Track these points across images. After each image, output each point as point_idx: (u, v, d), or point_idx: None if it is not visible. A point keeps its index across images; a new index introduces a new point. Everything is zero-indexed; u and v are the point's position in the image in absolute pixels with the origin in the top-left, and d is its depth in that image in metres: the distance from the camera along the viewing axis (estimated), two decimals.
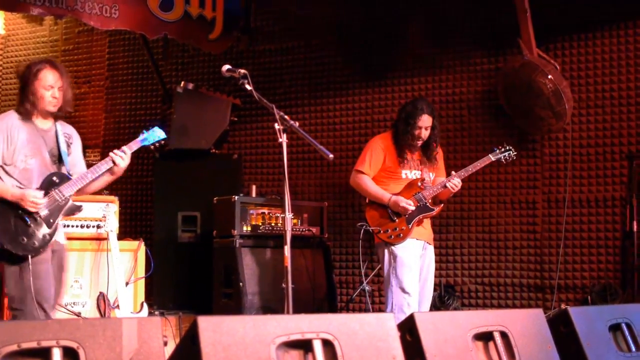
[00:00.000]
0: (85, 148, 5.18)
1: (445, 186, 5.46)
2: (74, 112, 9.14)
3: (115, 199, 6.11)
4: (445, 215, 7.22)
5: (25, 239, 4.30)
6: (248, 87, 4.41)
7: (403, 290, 5.35)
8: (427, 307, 5.60)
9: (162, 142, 4.79)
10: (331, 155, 4.45)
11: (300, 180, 7.81)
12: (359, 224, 5.56)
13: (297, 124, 4.44)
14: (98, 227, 5.92)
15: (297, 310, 4.21)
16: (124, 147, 4.55)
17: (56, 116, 4.60)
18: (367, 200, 5.67)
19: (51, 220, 4.39)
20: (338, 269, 7.58)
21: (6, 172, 4.41)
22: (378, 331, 3.31)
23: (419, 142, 5.56)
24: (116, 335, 2.84)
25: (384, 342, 3.29)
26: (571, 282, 6.93)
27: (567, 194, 6.94)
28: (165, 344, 2.97)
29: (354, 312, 7.19)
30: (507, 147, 5.73)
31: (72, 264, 5.88)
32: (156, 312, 6.73)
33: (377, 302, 7.30)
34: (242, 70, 4.44)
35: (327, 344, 3.15)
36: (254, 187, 7.01)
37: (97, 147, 8.85)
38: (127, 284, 5.87)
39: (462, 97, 7.48)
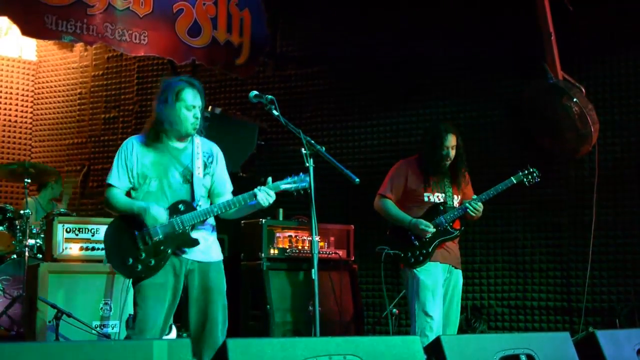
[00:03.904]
0: None
1: (465, 210, 5.49)
2: (104, 136, 9.40)
3: None
4: (472, 238, 7.22)
5: (131, 261, 4.15)
6: (275, 112, 4.44)
7: (425, 314, 5.33)
8: (454, 330, 5.56)
9: (302, 190, 4.51)
10: (357, 180, 4.47)
11: (326, 204, 7.81)
12: (379, 247, 5.57)
13: (324, 148, 4.49)
14: None
15: (325, 332, 4.23)
16: (269, 189, 4.41)
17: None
18: (389, 224, 5.70)
19: (162, 248, 4.17)
20: (365, 292, 7.58)
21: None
22: (404, 353, 3.33)
23: (448, 162, 5.57)
24: (147, 357, 2.87)
25: None
26: (598, 305, 6.89)
27: (593, 216, 6.92)
28: None
29: (381, 335, 7.19)
30: (531, 170, 5.64)
31: (101, 286, 5.98)
32: (185, 334, 6.77)
33: (405, 324, 7.29)
34: (270, 96, 4.48)
35: None
36: (280, 210, 7.05)
37: None
38: None
39: (487, 120, 7.50)
